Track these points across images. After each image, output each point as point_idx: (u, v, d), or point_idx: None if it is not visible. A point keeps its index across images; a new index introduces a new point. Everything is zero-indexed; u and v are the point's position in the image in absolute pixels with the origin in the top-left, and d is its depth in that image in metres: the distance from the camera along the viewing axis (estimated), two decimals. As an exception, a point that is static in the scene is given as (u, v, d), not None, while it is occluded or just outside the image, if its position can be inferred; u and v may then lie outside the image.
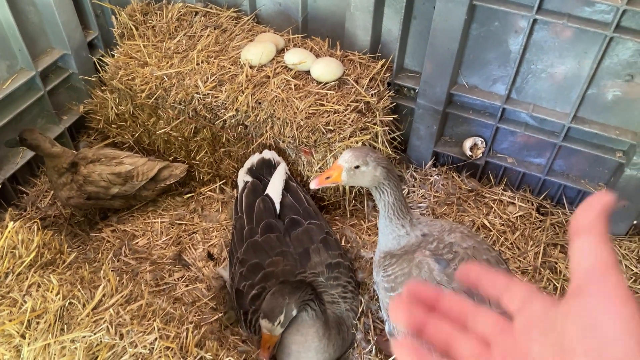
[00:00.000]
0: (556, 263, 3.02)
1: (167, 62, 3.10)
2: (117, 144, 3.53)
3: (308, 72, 3.02)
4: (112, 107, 3.31)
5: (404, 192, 3.32)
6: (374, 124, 2.89)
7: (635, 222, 3.10)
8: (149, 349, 1.86)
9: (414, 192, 3.36)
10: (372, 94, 2.95)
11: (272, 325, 2.19)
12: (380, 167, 2.12)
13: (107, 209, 3.24)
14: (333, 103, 2.85)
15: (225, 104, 2.93)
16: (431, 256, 2.16)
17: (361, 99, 2.90)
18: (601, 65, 2.69)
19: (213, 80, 2.97)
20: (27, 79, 3.18)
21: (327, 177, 2.17)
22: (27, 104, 3.23)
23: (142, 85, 3.07)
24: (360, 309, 2.70)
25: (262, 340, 2.25)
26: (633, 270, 2.98)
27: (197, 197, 3.34)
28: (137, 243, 3.07)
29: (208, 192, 3.35)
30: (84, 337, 1.88)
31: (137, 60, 3.16)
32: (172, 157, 3.40)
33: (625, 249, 3.08)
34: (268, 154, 2.98)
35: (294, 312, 2.24)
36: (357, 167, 2.12)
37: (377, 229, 2.37)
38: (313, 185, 2.20)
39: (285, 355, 2.41)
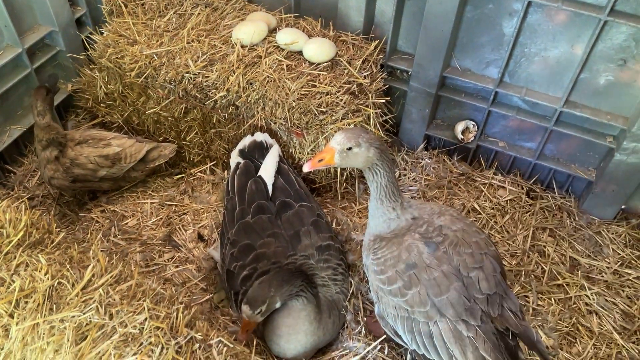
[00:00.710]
0: (544, 247, 3.05)
1: (157, 41, 3.05)
2: (106, 124, 3.48)
3: (300, 53, 2.98)
4: (100, 86, 3.26)
5: (395, 175, 3.32)
6: (367, 106, 2.88)
7: (623, 206, 3.13)
8: (139, 329, 1.85)
9: (405, 175, 3.36)
10: (364, 76, 2.92)
11: (252, 313, 2.23)
12: (373, 148, 2.11)
13: (97, 190, 3.21)
14: (325, 84, 2.82)
15: (216, 84, 2.89)
16: (421, 239, 2.16)
17: (354, 81, 2.88)
18: (594, 49, 2.68)
19: (204, 59, 2.93)
20: (14, 56, 3.11)
21: (320, 160, 2.16)
22: (13, 82, 3.16)
23: (131, 63, 3.02)
24: (350, 291, 2.71)
25: (242, 324, 2.30)
26: (620, 254, 3.02)
27: (187, 178, 3.32)
28: (126, 224, 3.05)
29: (198, 174, 3.33)
30: (73, 316, 1.87)
31: (127, 39, 3.10)
32: (162, 138, 3.37)
33: (612, 233, 3.11)
34: (260, 137, 2.96)
35: (278, 304, 2.28)
36: (350, 148, 2.11)
37: (368, 211, 2.37)
38: (306, 168, 2.19)
39: (275, 336, 2.43)
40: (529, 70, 2.95)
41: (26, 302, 1.90)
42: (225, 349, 1.91)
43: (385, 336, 2.46)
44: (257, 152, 2.94)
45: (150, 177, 3.29)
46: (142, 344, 1.83)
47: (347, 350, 2.56)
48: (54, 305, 1.90)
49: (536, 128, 3.14)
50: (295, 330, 2.39)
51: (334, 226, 3.04)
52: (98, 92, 3.30)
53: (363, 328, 2.61)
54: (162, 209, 3.14)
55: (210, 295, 2.71)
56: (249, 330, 2.30)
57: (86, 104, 3.46)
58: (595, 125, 2.97)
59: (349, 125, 2.80)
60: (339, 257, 2.70)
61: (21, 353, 1.89)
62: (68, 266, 2.00)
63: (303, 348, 2.42)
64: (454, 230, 2.19)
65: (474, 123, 3.27)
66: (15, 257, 2.01)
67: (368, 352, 2.51)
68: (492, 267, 2.13)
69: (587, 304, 2.82)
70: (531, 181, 3.34)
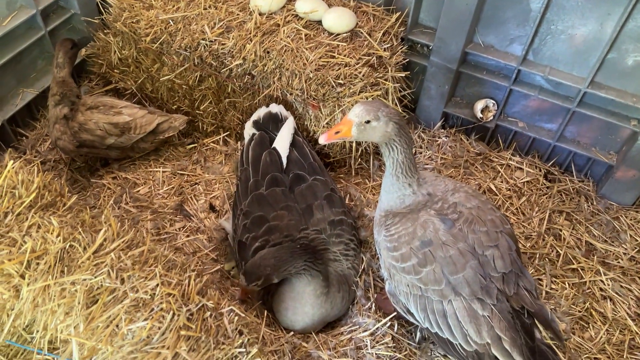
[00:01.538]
0: (560, 230, 2.99)
1: (173, 6, 2.98)
2: (120, 90, 3.43)
3: (319, 22, 2.91)
4: (115, 51, 3.21)
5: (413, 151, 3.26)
6: (386, 79, 2.81)
7: (643, 192, 3.06)
8: (150, 295, 1.83)
9: (421, 153, 3.30)
10: (385, 48, 2.85)
11: (246, 286, 2.25)
12: (392, 123, 2.05)
13: (104, 157, 3.18)
14: (344, 56, 2.75)
15: (232, 51, 2.83)
16: (436, 215, 2.11)
17: (374, 53, 2.80)
18: (624, 28, 2.59)
19: (220, 26, 2.86)
20: (27, 17, 3.06)
21: (337, 132, 2.10)
22: (27, 44, 3.12)
23: (146, 28, 2.96)
24: (362, 267, 2.68)
25: (240, 289, 2.38)
26: (637, 241, 2.96)
27: (200, 148, 3.28)
28: (138, 191, 3.02)
29: (211, 144, 3.29)
30: (85, 279, 1.85)
31: (142, 3, 3.04)
32: (175, 106, 3.32)
33: (631, 219, 3.05)
34: (275, 108, 2.90)
35: (275, 281, 2.29)
36: (368, 122, 2.05)
37: (381, 186, 2.33)
38: (322, 140, 2.13)
39: (283, 309, 2.41)
40: (554, 49, 2.86)
41: (37, 264, 1.89)
42: (236, 318, 1.89)
43: (395, 313, 2.44)
44: (271, 124, 2.89)
45: (162, 146, 3.25)
46: (153, 309, 1.81)
47: (357, 326, 2.54)
48: (65, 268, 1.89)
49: (558, 109, 3.06)
50: (302, 303, 2.37)
51: (347, 202, 3.00)
52: (112, 57, 3.25)
53: (373, 304, 2.58)
54: (174, 178, 3.11)
55: (221, 265, 2.69)
56: (247, 295, 2.38)
57: (100, 70, 3.41)
58: (619, 108, 2.89)
59: (367, 99, 2.73)
60: (351, 233, 2.66)
61: (32, 314, 1.89)
62: (80, 229, 1.97)
63: (310, 321, 2.40)
64: (469, 207, 2.14)
65: (494, 102, 3.19)
66: (27, 219, 1.99)
67: (377, 328, 2.49)
68: (508, 245, 2.09)
69: (601, 290, 2.78)
70: (549, 163, 3.27)
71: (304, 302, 2.37)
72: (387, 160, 2.18)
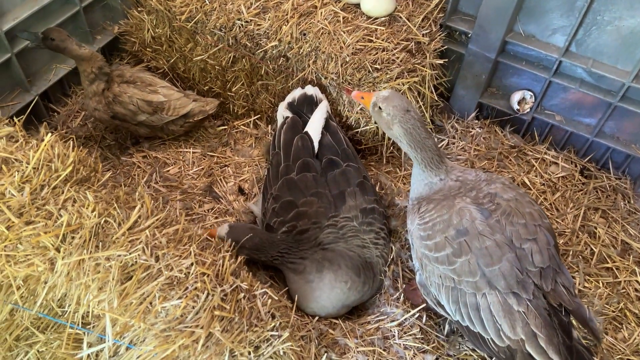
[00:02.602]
0: (595, 228, 2.92)
1: (210, -16, 2.95)
2: (151, 69, 3.42)
3: (358, 5, 2.85)
4: (148, 29, 3.19)
5: (443, 142, 3.21)
6: (423, 66, 2.74)
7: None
8: (184, 273, 1.82)
9: (453, 144, 3.23)
10: (423, 34, 2.78)
11: (218, 237, 2.35)
12: (398, 125, 2.08)
13: (134, 134, 3.17)
14: (382, 40, 2.69)
15: (268, 33, 2.79)
16: (472, 204, 2.06)
17: (412, 38, 2.74)
18: (676, 20, 2.49)
19: (257, 6, 2.82)
20: (63, -8, 3.05)
21: (362, 97, 2.21)
22: (62, 19, 3.11)
23: (182, 7, 2.93)
24: (391, 257, 2.64)
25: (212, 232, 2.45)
26: (675, 242, 2.87)
27: (230, 130, 3.25)
28: (168, 171, 3.01)
29: (242, 126, 3.26)
30: (119, 255, 1.84)
31: (178, -19, 3.01)
32: (207, 87, 3.29)
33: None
34: (311, 90, 2.86)
35: (262, 259, 2.44)
36: (380, 108, 2.10)
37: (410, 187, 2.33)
38: (352, 94, 2.27)
39: (299, 303, 2.41)
40: (599, 41, 2.77)
41: (72, 238, 1.88)
42: (269, 300, 1.87)
43: (424, 305, 2.40)
44: (306, 107, 2.85)
45: (193, 129, 3.23)
46: (187, 288, 1.79)
47: (385, 316, 2.51)
48: (100, 243, 1.88)
49: (598, 103, 2.96)
50: (312, 289, 2.42)
51: (377, 190, 2.96)
52: (145, 35, 3.23)
53: (401, 295, 2.55)
54: (204, 159, 3.10)
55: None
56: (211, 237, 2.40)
57: (132, 48, 3.40)
58: (664, 104, 2.80)
59: (404, 85, 2.68)
60: (382, 222, 2.62)
61: (65, 287, 1.88)
62: (115, 205, 1.96)
63: (330, 304, 2.40)
64: (507, 199, 2.08)
65: (531, 94, 3.11)
66: (63, 192, 1.98)
67: (405, 319, 2.45)
68: (546, 239, 2.03)
69: (637, 290, 2.70)
70: (586, 159, 3.18)
71: (314, 287, 2.40)
72: (411, 157, 2.20)
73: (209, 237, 2.25)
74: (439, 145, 3.16)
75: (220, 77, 3.18)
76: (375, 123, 2.88)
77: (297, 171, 2.63)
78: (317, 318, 2.43)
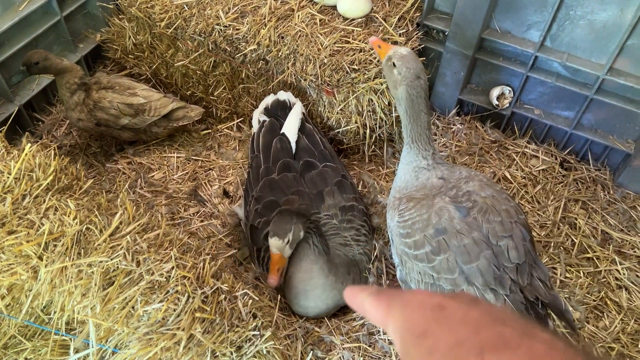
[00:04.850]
0: (576, 219, 2.97)
1: (188, -9, 2.98)
2: (134, 76, 3.44)
3: (334, 7, 2.88)
4: (129, 37, 3.22)
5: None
6: (400, 65, 2.78)
7: (661, 181, 3.02)
8: (165, 277, 1.85)
9: (435, 140, 3.27)
10: (400, 34, 2.82)
11: (282, 243, 2.18)
12: (404, 88, 2.07)
13: (123, 141, 3.20)
14: (359, 41, 2.73)
15: (247, 37, 2.82)
16: (451, 203, 2.10)
17: (389, 38, 2.78)
18: (646, 13, 2.54)
19: (235, 11, 2.85)
20: (43, 2, 3.07)
21: (380, 46, 2.23)
22: (43, 29, 3.13)
23: (161, 13, 2.96)
24: (374, 254, 2.68)
25: (271, 263, 2.25)
26: (654, 231, 2.93)
27: (214, 134, 3.28)
28: (152, 176, 3.04)
29: (225, 130, 3.29)
30: (101, 261, 1.87)
31: (157, -12, 3.03)
32: (189, 92, 3.32)
33: (648, 209, 3.01)
34: (283, 95, 2.90)
35: (302, 234, 2.24)
36: (394, 64, 2.10)
37: (395, 175, 2.33)
38: (370, 39, 2.30)
39: (293, 296, 2.42)
40: (573, 35, 2.82)
41: (55, 246, 1.91)
42: (250, 301, 1.91)
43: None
44: (280, 111, 2.90)
45: (177, 131, 3.26)
46: (168, 292, 1.83)
47: (369, 312, 2.55)
48: (82, 250, 1.91)
49: (575, 96, 3.01)
50: (312, 285, 2.37)
51: (360, 189, 3.00)
52: (127, 42, 3.25)
53: (386, 291, 2.58)
54: (188, 163, 3.13)
55: (235, 251, 2.71)
56: (280, 269, 2.26)
57: (114, 55, 3.42)
58: (638, 95, 2.84)
59: (382, 85, 2.71)
60: (363, 219, 2.66)
61: (49, 295, 1.91)
62: (96, 212, 1.99)
63: (324, 304, 2.41)
64: (484, 197, 2.12)
65: (510, 89, 3.16)
66: (44, 201, 2.01)
67: (390, 314, 2.49)
68: (522, 235, 2.06)
69: (617, 279, 2.75)
70: (566, 152, 3.23)
71: (314, 284, 2.37)
72: (402, 123, 2.23)
73: (276, 277, 2.24)
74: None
75: (202, 82, 3.21)
76: (371, 130, 2.92)
77: (278, 172, 2.67)
78: (304, 318, 2.46)
